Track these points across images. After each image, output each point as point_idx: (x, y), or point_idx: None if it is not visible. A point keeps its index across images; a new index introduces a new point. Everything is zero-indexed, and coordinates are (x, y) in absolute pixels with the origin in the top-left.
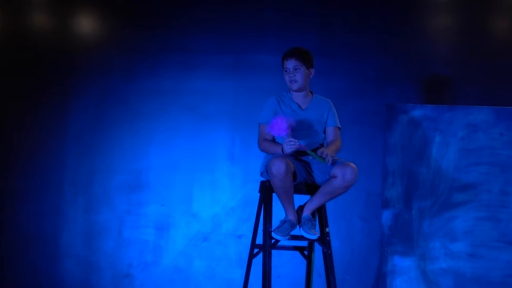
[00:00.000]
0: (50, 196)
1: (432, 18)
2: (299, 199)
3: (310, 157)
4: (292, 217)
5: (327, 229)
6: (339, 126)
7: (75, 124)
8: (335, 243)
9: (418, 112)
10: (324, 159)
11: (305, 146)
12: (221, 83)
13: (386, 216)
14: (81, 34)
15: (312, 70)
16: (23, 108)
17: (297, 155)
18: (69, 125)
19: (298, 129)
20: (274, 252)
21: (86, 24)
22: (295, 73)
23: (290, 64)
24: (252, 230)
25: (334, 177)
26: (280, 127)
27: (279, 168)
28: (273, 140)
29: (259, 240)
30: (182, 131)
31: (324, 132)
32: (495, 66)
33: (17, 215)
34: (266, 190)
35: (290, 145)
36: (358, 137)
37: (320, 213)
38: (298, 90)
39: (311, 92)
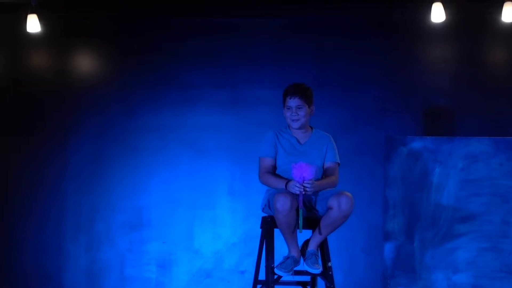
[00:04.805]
0: (51, 234)
1: (430, 48)
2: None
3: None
4: (295, 253)
5: (329, 264)
6: (338, 161)
7: (75, 162)
8: (337, 277)
9: (417, 144)
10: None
11: (302, 204)
12: (219, 118)
13: (388, 248)
14: (80, 72)
15: (313, 108)
16: (23, 147)
17: None
18: (69, 163)
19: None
20: None
21: (84, 63)
22: (298, 111)
23: (294, 102)
24: (254, 265)
25: (331, 208)
26: (304, 172)
27: (284, 204)
28: (274, 173)
29: (262, 275)
30: (182, 166)
31: (323, 167)
32: (494, 96)
33: (19, 254)
34: (267, 226)
35: (295, 190)
36: (359, 169)
37: (322, 247)
38: (299, 128)
39: (311, 127)
